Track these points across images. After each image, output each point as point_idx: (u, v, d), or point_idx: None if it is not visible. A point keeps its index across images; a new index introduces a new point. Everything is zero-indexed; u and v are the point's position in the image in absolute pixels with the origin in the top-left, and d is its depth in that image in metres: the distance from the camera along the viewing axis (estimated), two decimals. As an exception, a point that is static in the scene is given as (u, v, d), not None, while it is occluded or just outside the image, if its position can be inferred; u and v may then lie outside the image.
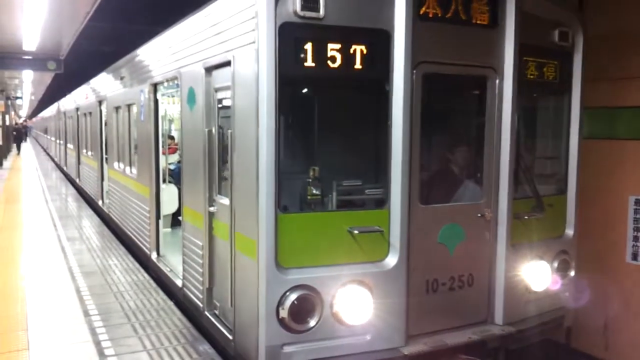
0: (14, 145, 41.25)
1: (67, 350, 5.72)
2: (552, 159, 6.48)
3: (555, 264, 6.00)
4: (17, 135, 41.84)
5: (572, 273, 6.19)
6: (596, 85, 6.59)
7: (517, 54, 5.40)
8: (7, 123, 36.20)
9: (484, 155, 5.54)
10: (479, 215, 5.47)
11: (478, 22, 5.28)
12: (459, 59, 5.27)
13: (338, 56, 4.68)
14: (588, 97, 6.25)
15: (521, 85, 5.51)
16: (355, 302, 4.79)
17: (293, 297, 4.64)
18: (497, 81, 5.45)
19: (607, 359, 7.21)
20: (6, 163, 30.12)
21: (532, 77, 5.77)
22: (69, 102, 21.95)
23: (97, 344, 5.80)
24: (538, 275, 5.80)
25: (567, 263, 6.12)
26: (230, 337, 5.36)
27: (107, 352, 5.61)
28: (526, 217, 5.70)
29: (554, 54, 5.95)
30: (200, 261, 6.15)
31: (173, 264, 7.90)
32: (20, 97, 46.87)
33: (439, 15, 5.06)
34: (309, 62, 4.62)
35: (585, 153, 6.30)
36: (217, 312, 5.90)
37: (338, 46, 4.67)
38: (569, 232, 6.23)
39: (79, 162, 18.58)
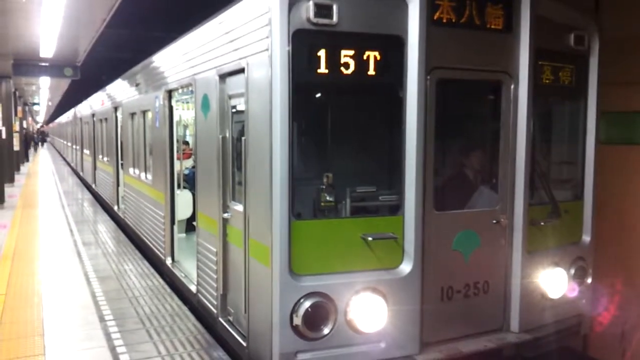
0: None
1: (83, 355, 5.75)
2: (568, 164, 6.41)
3: (572, 271, 5.93)
4: (26, 142, 38.97)
5: (589, 280, 6.12)
6: (613, 89, 6.51)
7: (532, 58, 5.36)
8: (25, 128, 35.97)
9: (499, 161, 5.50)
10: (494, 221, 5.42)
11: (492, 27, 5.25)
12: (474, 64, 5.24)
13: (351, 62, 4.67)
14: (605, 101, 6.18)
15: (536, 90, 5.47)
16: (369, 310, 4.77)
17: (307, 304, 4.63)
18: (512, 86, 5.41)
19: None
20: (23, 168, 30.46)
21: (547, 81, 5.73)
22: (85, 108, 22.17)
23: (112, 349, 5.83)
24: (554, 282, 5.74)
25: (584, 270, 6.05)
26: (244, 344, 5.36)
27: (122, 357, 5.64)
28: (542, 223, 5.65)
29: (569, 58, 5.90)
30: (215, 267, 6.16)
31: (187, 270, 7.93)
32: (38, 103, 47.38)
33: (453, 20, 5.04)
34: (323, 69, 4.62)
35: (603, 158, 6.23)
36: (231, 318, 5.90)
37: (351, 52, 4.67)
38: (586, 238, 6.15)
39: (95, 168, 18.75)
